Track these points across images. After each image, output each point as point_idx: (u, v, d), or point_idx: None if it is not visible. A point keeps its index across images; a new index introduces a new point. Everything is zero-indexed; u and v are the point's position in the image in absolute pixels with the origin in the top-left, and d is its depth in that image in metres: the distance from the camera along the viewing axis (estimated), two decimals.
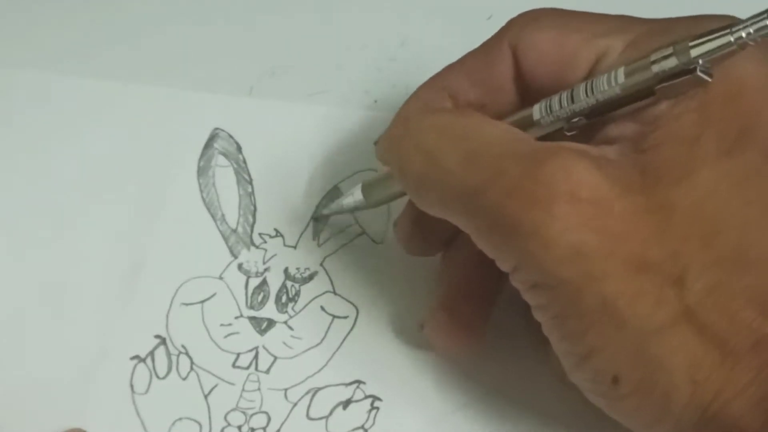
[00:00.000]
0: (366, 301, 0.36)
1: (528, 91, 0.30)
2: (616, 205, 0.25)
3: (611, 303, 0.25)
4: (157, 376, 0.34)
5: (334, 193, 0.37)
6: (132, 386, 0.34)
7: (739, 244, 0.25)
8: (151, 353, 0.35)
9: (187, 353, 0.35)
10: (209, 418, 0.34)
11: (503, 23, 0.39)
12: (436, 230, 0.33)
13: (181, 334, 0.35)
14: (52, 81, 0.39)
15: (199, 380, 0.34)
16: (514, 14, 0.40)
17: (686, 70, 0.25)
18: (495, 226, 0.26)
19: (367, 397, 0.34)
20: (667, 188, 0.25)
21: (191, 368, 0.34)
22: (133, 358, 0.35)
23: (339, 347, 0.35)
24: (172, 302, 0.35)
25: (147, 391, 0.34)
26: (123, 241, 0.36)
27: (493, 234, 0.27)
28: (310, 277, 0.36)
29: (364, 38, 0.41)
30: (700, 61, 0.25)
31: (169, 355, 0.35)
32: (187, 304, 0.35)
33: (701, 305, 0.25)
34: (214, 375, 0.34)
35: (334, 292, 0.36)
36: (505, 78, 0.30)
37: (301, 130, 0.39)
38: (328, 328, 0.35)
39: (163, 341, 0.35)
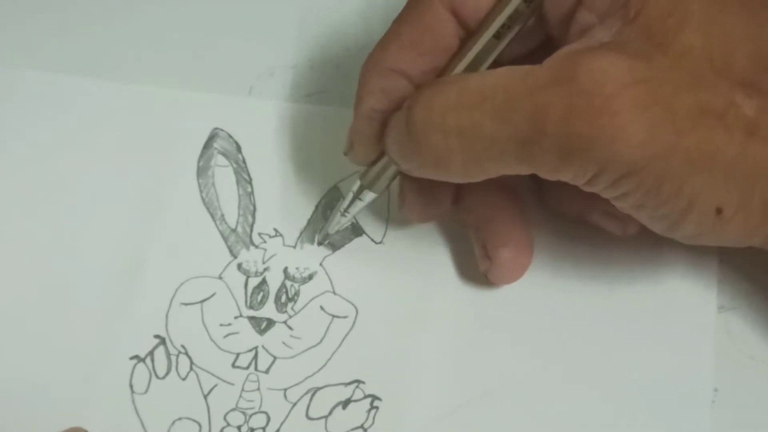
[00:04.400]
0: (365, 300, 0.36)
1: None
2: (652, 74, 0.27)
3: (695, 152, 0.27)
4: (157, 376, 0.34)
5: (333, 192, 0.37)
6: (131, 386, 0.34)
7: (756, 51, 0.29)
8: (151, 353, 0.35)
9: (186, 353, 0.35)
10: (209, 418, 0.34)
11: None
12: (442, 190, 0.34)
13: (180, 334, 0.35)
14: (52, 81, 0.39)
15: (199, 380, 0.34)
16: None
17: None
18: (568, 154, 0.27)
19: (366, 396, 0.34)
20: (676, 37, 0.28)
21: (191, 368, 0.34)
22: (132, 357, 0.35)
23: (338, 347, 0.35)
24: (171, 302, 0.35)
25: (146, 391, 0.34)
26: (122, 240, 0.36)
27: (567, 161, 0.28)
28: (310, 277, 0.36)
29: (363, 38, 0.41)
30: None
31: (168, 355, 0.35)
32: (186, 304, 0.35)
33: (760, 113, 0.28)
34: (213, 375, 0.34)
35: (334, 292, 0.36)
36: (452, 37, 0.31)
37: (301, 130, 0.39)
38: (328, 327, 0.35)
39: (163, 341, 0.35)
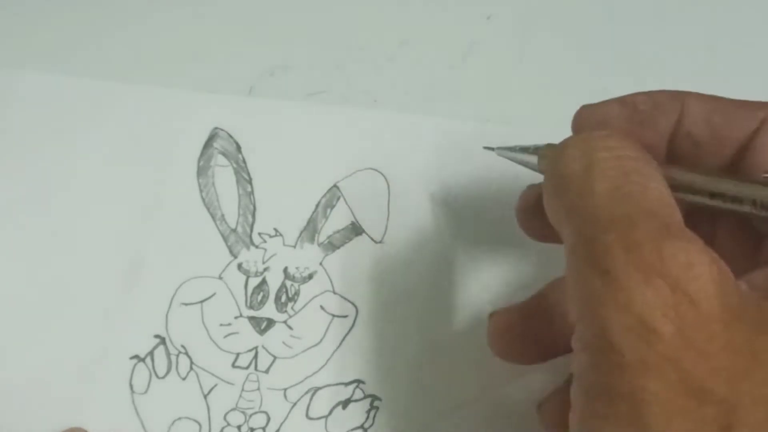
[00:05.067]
0: (365, 300, 0.36)
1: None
2: (713, 325, 0.23)
3: (643, 402, 0.23)
4: (157, 376, 0.34)
5: (333, 192, 0.37)
6: (131, 386, 0.34)
7: None
8: (151, 353, 0.35)
9: (186, 353, 0.35)
10: (209, 417, 0.34)
11: (502, 23, 0.39)
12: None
13: (180, 333, 0.35)
14: (51, 81, 0.39)
15: (199, 380, 0.34)
16: (513, 15, 0.41)
17: None
18: (594, 261, 0.24)
19: (366, 396, 0.34)
20: None
21: (191, 368, 0.34)
22: (132, 357, 0.35)
23: (338, 346, 0.35)
24: (171, 302, 0.35)
25: (146, 390, 0.34)
26: (123, 240, 0.36)
27: (587, 262, 0.25)
28: (310, 277, 0.36)
29: (364, 38, 0.41)
30: None
31: (168, 354, 0.35)
32: (186, 304, 0.35)
33: None
34: (213, 375, 0.34)
35: (334, 292, 0.36)
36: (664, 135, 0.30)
37: (300, 129, 0.39)
38: (328, 327, 0.35)
39: (163, 341, 0.35)
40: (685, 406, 0.23)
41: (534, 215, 0.32)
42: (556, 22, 0.41)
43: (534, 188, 0.33)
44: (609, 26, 0.41)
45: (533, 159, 0.32)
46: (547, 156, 0.31)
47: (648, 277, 0.23)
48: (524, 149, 0.32)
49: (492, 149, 0.34)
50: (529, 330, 0.32)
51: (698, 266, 0.24)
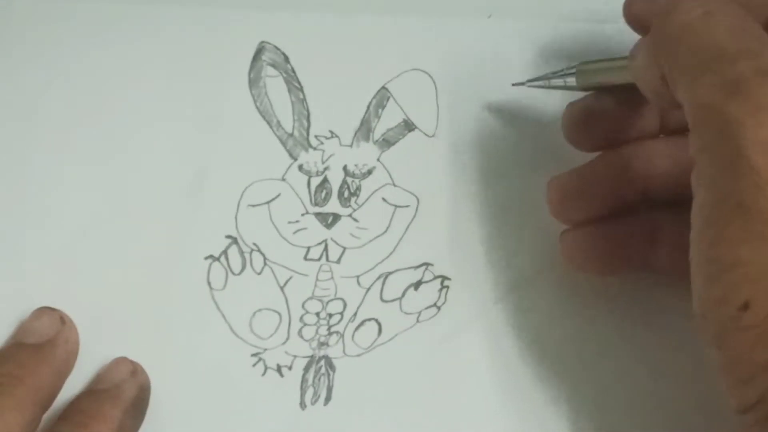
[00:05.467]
0: (425, 189, 0.37)
1: None
2: None
3: None
4: (233, 273, 0.35)
5: (382, 93, 0.39)
6: (209, 283, 0.35)
7: None
8: (225, 252, 0.36)
9: (259, 250, 0.36)
10: (287, 307, 0.35)
11: (503, 22, 0.40)
12: (602, 127, 0.34)
13: (251, 233, 0.36)
14: (105, 7, 0.40)
15: (274, 274, 0.36)
16: (514, 14, 0.41)
17: None
18: (725, 87, 0.25)
19: (436, 277, 0.36)
20: None
21: (264, 263, 0.36)
22: (207, 257, 0.36)
23: (404, 234, 0.36)
24: (239, 204, 0.37)
25: (224, 287, 0.35)
26: (187, 152, 0.37)
27: (715, 90, 0.26)
28: (369, 172, 0.37)
29: None
30: None
31: (242, 252, 0.36)
32: (253, 206, 0.37)
33: None
34: (287, 268, 0.36)
35: (394, 184, 0.37)
36: None
37: (345, 38, 0.40)
38: (392, 217, 0.37)
39: (235, 240, 0.36)
40: None
41: (582, 128, 0.35)
42: (556, 22, 0.42)
43: (575, 104, 0.35)
44: (609, 26, 0.41)
45: (570, 79, 0.34)
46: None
47: None
48: (555, 74, 0.35)
49: (522, 84, 0.37)
50: (586, 188, 0.34)
51: None
